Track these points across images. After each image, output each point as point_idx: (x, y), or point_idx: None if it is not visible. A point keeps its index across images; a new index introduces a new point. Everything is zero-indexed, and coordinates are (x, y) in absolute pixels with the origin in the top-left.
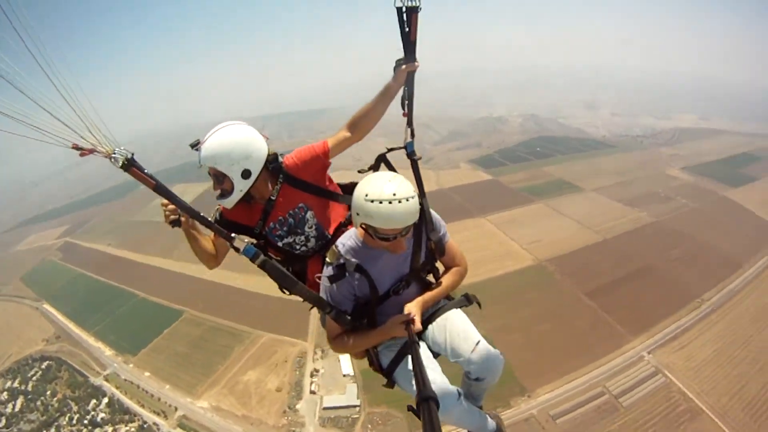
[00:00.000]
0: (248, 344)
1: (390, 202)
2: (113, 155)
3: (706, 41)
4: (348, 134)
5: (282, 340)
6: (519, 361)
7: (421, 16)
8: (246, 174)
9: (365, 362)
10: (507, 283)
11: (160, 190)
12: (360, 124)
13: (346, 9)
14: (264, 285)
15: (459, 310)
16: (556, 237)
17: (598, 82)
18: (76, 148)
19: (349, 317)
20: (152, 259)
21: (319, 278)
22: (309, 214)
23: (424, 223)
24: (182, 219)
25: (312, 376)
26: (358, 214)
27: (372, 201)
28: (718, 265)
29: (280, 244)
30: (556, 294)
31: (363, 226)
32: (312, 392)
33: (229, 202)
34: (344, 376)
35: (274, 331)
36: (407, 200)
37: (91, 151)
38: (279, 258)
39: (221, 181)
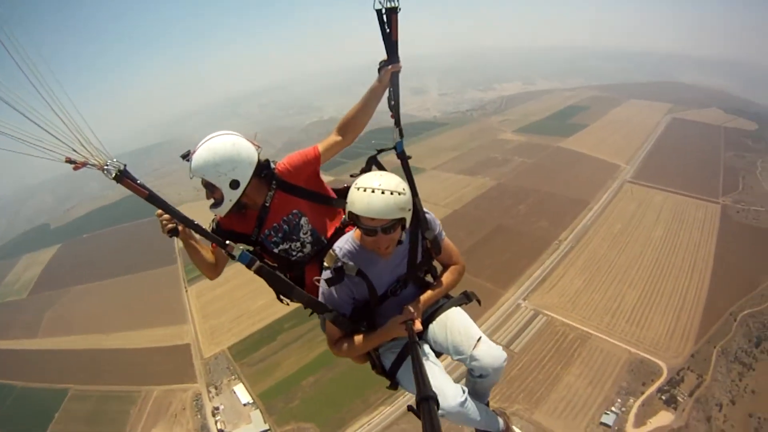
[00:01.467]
0: (142, 403)
1: (373, 191)
2: (106, 167)
3: (523, 17)
4: (338, 138)
5: (172, 389)
6: None
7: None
8: (234, 184)
9: (261, 386)
10: None
11: (154, 199)
12: (349, 128)
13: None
14: (137, 339)
15: (459, 308)
16: None
17: (422, 68)
18: (69, 161)
19: (348, 320)
20: (17, 342)
21: (318, 281)
22: (303, 220)
23: (418, 222)
24: (179, 228)
25: (214, 415)
26: (347, 204)
27: (358, 188)
28: (566, 208)
29: (276, 250)
30: None
31: (352, 218)
32: (220, 431)
33: (221, 211)
34: (245, 405)
35: (162, 382)
36: (390, 193)
37: (84, 164)
38: (276, 265)
39: (212, 191)
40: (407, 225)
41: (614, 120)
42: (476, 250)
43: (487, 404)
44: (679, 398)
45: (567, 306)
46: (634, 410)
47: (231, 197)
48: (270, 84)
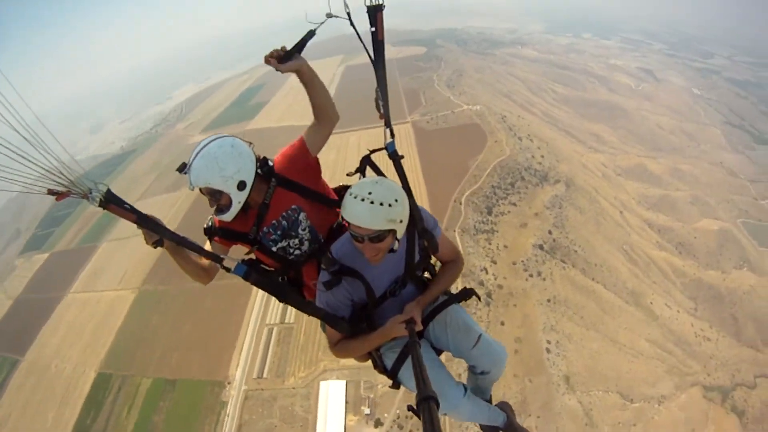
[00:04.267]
0: None
1: (362, 200)
2: (90, 195)
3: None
4: (316, 124)
5: None
6: (197, 369)
7: None
8: (242, 186)
9: None
10: (135, 321)
11: (143, 222)
12: (315, 112)
13: None
14: None
15: (458, 305)
16: (138, 259)
17: (94, 105)
18: (52, 193)
19: (347, 323)
20: None
21: (315, 284)
22: (302, 216)
23: (414, 222)
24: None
25: None
26: (341, 207)
27: (350, 194)
28: None
29: (274, 249)
30: (171, 301)
31: (344, 221)
32: None
33: (229, 216)
34: None
35: None
36: (380, 204)
37: (68, 194)
38: (274, 266)
39: (218, 198)
40: (399, 236)
41: (292, 87)
42: None
43: (490, 399)
44: None
45: None
46: None
47: (239, 199)
48: None
